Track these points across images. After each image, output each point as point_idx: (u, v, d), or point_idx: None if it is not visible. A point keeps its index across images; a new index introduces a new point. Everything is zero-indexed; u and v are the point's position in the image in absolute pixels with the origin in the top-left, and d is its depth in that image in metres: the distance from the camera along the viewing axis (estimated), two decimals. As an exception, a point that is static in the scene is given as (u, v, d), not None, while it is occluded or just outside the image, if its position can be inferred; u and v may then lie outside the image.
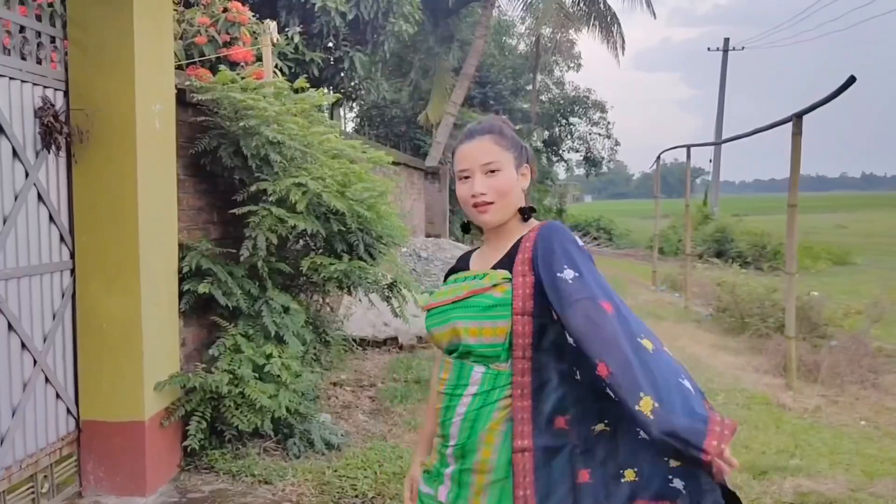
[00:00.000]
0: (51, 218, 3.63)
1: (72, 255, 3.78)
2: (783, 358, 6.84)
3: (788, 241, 6.32)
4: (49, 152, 3.61)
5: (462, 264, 2.02)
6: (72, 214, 3.78)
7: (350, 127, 21.55)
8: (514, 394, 1.75)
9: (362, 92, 15.02)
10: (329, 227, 4.59)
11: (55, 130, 3.63)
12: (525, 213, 1.91)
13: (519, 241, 1.85)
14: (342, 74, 13.31)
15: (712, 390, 5.76)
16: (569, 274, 1.71)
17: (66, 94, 3.76)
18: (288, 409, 4.22)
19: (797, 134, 6.07)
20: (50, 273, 3.63)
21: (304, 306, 4.79)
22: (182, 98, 4.33)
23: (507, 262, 1.84)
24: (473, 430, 1.79)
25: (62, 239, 3.72)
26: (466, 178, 1.86)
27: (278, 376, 4.14)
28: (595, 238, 25.76)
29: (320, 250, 4.83)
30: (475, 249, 2.05)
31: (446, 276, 2.02)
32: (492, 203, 1.84)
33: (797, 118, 6.10)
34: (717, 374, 6.40)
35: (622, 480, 1.70)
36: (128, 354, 3.75)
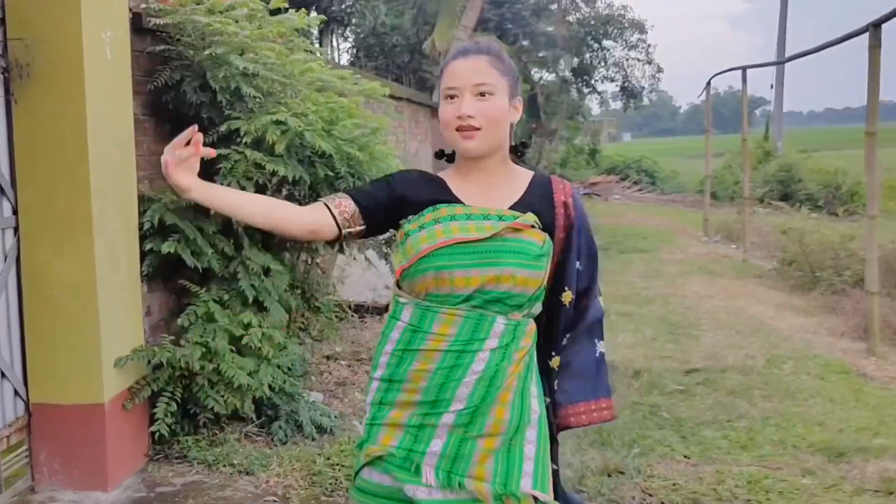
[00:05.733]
0: (-15, 168, 3.62)
1: (14, 212, 3.78)
2: (863, 318, 6.74)
3: (868, 177, 6.15)
4: (-20, 91, 3.58)
5: (444, 194, 1.99)
6: (13, 163, 3.76)
7: (344, 59, 21.33)
8: (528, 344, 1.95)
9: (356, 16, 14.83)
10: (314, 173, 4.55)
11: (-14, 64, 3.60)
12: (519, 151, 2.09)
13: (532, 187, 2.01)
14: (331, -6, 13.15)
15: (778, 357, 5.71)
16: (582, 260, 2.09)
17: (2, 21, 3.70)
18: (271, 388, 4.23)
19: (875, 47, 5.89)
20: (-14, 232, 3.63)
21: (288, 267, 4.78)
22: (138, 24, 4.27)
23: (524, 207, 1.95)
24: (490, 389, 1.85)
25: (2, 192, 3.71)
26: (453, 97, 1.94)
27: (259, 349, 4.14)
28: (636, 182, 25.50)
29: (305, 199, 4.80)
30: (437, 177, 2.05)
31: (419, 207, 1.96)
32: (479, 129, 1.90)
33: (874, 27, 5.91)
34: (784, 338, 6.33)
35: None
36: (82, 326, 3.76)
